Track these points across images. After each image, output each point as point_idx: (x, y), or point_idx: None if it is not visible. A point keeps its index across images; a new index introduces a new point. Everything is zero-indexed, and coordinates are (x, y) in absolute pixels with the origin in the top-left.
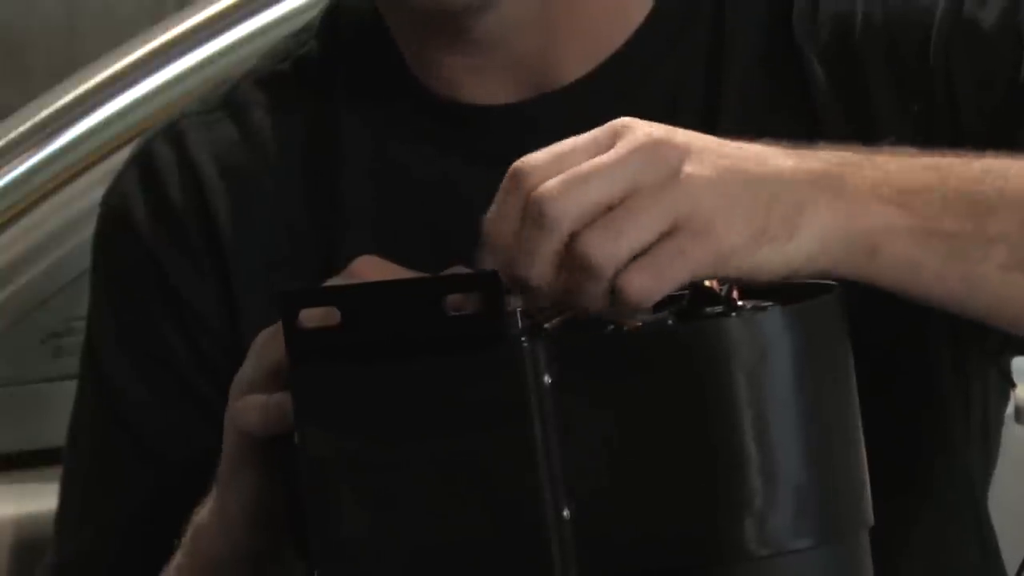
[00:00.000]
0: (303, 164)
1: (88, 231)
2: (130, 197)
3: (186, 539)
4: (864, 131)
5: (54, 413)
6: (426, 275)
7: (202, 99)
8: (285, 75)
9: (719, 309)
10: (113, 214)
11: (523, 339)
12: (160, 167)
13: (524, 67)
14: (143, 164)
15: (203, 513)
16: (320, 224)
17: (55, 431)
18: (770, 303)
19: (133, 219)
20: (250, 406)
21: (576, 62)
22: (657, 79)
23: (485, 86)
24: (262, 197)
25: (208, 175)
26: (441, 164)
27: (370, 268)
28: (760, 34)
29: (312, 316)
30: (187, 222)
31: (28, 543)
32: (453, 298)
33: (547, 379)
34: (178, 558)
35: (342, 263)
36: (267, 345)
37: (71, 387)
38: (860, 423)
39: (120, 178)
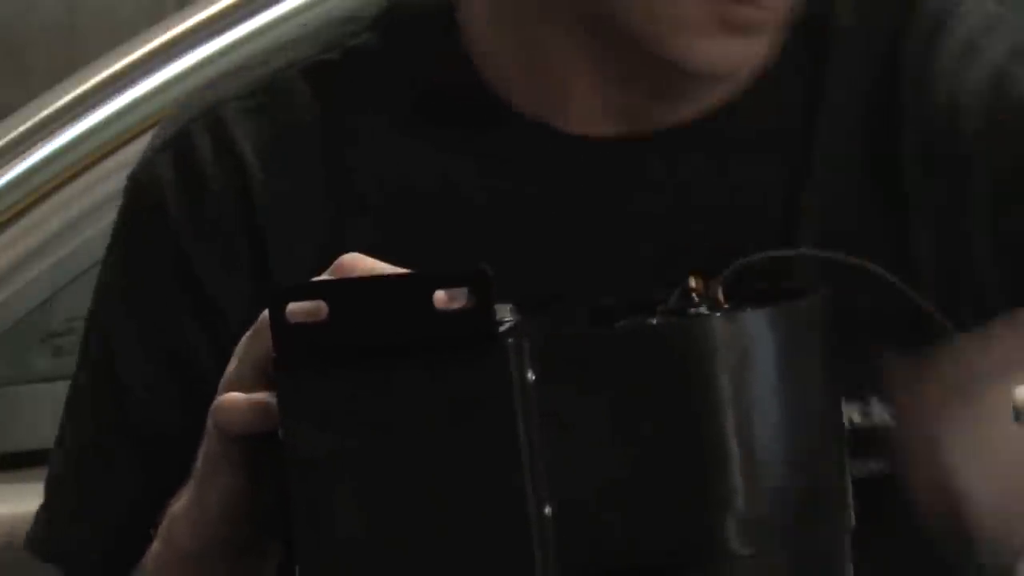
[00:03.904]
0: (361, 165)
1: (88, 231)
2: (164, 182)
3: (162, 528)
4: (953, 238)
5: (54, 413)
6: (416, 271)
7: (241, 85)
8: (333, 65)
9: (704, 309)
10: (142, 196)
11: (508, 336)
12: (199, 154)
13: (643, 107)
14: (180, 149)
15: (179, 504)
16: (378, 232)
17: (55, 431)
18: (756, 308)
19: (164, 205)
20: (232, 403)
21: (682, 108)
22: (746, 143)
23: (591, 118)
24: (308, 192)
25: (250, 165)
26: (508, 182)
27: (357, 264)
28: (860, 105)
29: (300, 311)
30: (224, 215)
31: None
32: (441, 294)
33: (531, 376)
34: (155, 546)
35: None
36: (251, 342)
37: None
38: (843, 426)
39: (153, 161)
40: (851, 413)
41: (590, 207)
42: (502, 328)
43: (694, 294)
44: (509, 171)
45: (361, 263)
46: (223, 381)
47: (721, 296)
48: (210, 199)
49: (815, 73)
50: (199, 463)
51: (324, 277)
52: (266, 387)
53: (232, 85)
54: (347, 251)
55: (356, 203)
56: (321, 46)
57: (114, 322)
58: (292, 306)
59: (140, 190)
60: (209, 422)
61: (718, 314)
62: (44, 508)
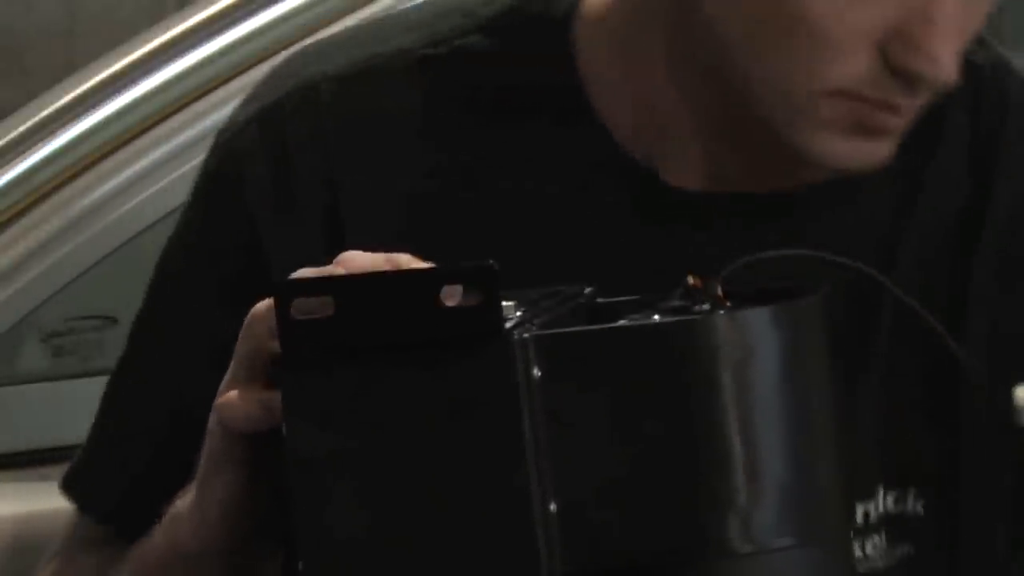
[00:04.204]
0: (447, 164)
1: (87, 231)
2: (246, 153)
3: (163, 526)
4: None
5: (54, 413)
6: (421, 267)
7: (341, 65)
8: (437, 60)
9: (707, 307)
10: (224, 162)
11: (514, 332)
12: (287, 133)
13: (740, 171)
14: (270, 124)
15: (181, 504)
16: (458, 232)
17: (55, 431)
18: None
19: (243, 178)
20: (236, 401)
21: (771, 181)
22: (841, 213)
23: (683, 166)
24: (397, 185)
25: (337, 151)
26: (606, 220)
27: (356, 261)
28: (954, 205)
29: (306, 307)
30: (304, 196)
31: (28, 542)
32: (449, 290)
33: (536, 372)
34: (156, 541)
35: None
36: (244, 339)
37: (71, 387)
38: (843, 425)
39: (242, 129)
40: (887, 500)
41: (662, 252)
42: (507, 325)
43: (696, 292)
44: (588, 195)
45: (360, 259)
46: (225, 379)
47: (721, 294)
48: (292, 178)
49: (917, 168)
50: (202, 462)
51: (329, 271)
52: (261, 384)
53: (332, 63)
54: (420, 247)
55: (434, 200)
56: (428, 39)
57: (177, 278)
58: (298, 303)
59: (223, 155)
60: (212, 419)
61: (721, 312)
62: (83, 448)
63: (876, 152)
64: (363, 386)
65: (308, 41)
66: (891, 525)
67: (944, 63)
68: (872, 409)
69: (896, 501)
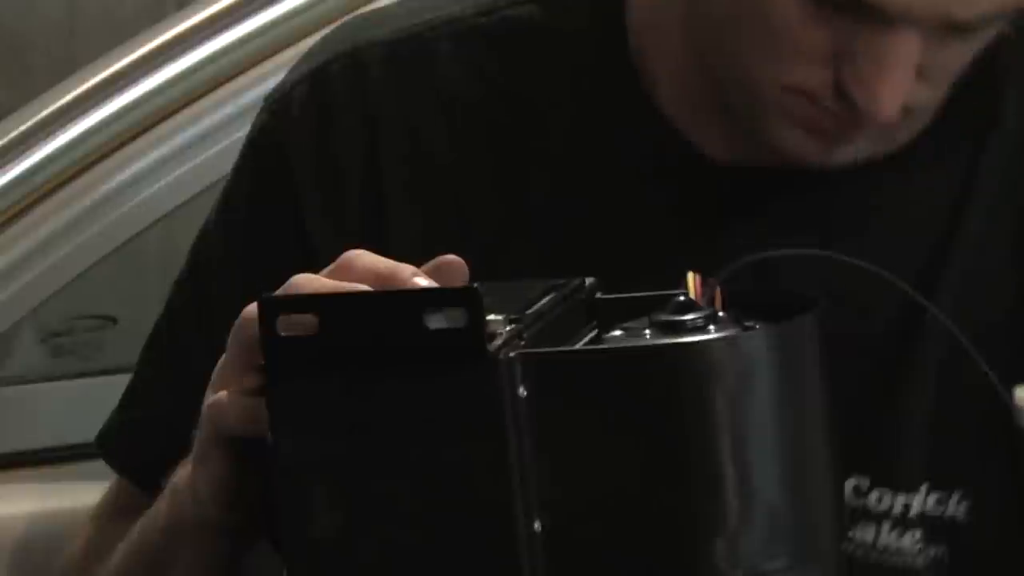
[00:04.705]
0: (492, 134)
1: (88, 231)
2: (292, 118)
3: (164, 495)
4: None
5: (53, 413)
6: (406, 288)
7: (388, 31)
8: (485, 29)
9: (699, 319)
10: (269, 125)
11: (500, 352)
12: (334, 97)
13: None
14: (317, 87)
15: (180, 476)
16: (501, 206)
17: (55, 431)
18: (752, 323)
19: (286, 143)
20: (226, 405)
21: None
22: (899, 193)
23: (727, 148)
24: (440, 157)
25: (382, 116)
26: (646, 196)
27: (356, 263)
28: (1011, 195)
29: (292, 324)
30: (346, 162)
31: (27, 542)
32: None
33: (523, 391)
34: (161, 508)
35: (517, 252)
36: (235, 336)
37: (71, 387)
38: (838, 439)
39: (289, 93)
40: (929, 499)
41: (704, 225)
42: (495, 343)
43: (691, 299)
44: (634, 173)
45: (361, 259)
46: (216, 371)
47: (719, 298)
48: (336, 143)
49: (970, 159)
50: (195, 445)
51: (326, 271)
52: (251, 383)
53: (379, 30)
54: (494, 227)
55: (475, 170)
56: (476, 7)
57: (221, 237)
58: (283, 320)
59: (270, 119)
60: (203, 412)
61: (714, 334)
62: (118, 410)
63: (837, 153)
64: (349, 403)
65: (309, 41)
66: (929, 524)
67: (884, 104)
68: (920, 405)
69: (938, 502)
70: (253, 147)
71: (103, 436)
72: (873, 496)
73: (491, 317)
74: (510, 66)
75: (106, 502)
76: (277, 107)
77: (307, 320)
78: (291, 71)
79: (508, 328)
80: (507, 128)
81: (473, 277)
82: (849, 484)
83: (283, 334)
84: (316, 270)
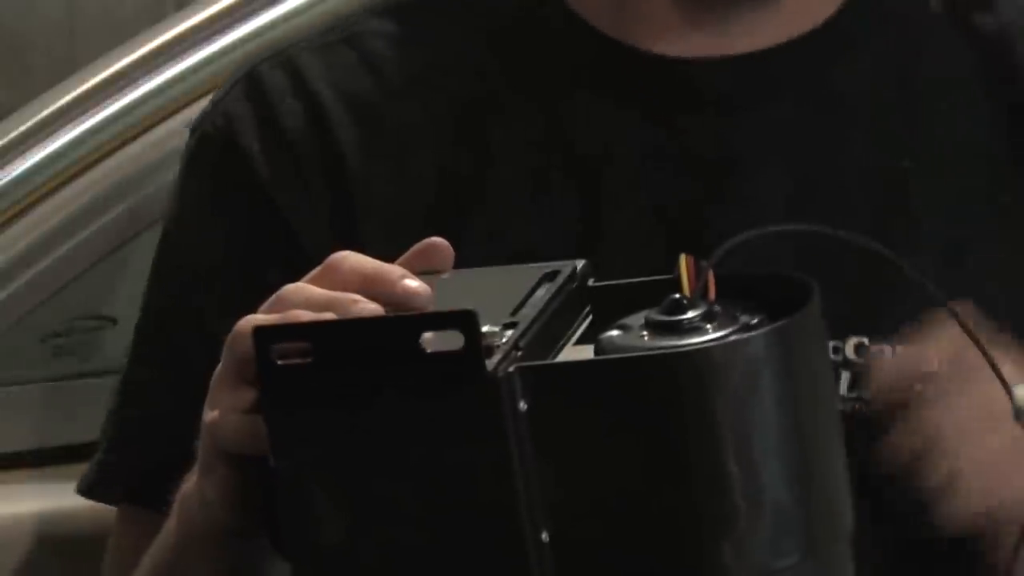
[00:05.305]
0: (447, 103)
1: (88, 231)
2: (237, 121)
3: (174, 508)
4: None
5: (53, 413)
6: (402, 313)
7: (311, 36)
8: (412, 4)
9: (696, 318)
10: (216, 137)
11: (498, 368)
12: (271, 94)
13: (735, 26)
14: (251, 87)
15: (188, 485)
16: (467, 169)
17: (55, 431)
18: (748, 315)
19: (240, 144)
20: (225, 423)
21: (773, 29)
22: (840, 68)
23: (685, 40)
24: (392, 132)
25: (329, 104)
26: (618, 116)
27: (343, 263)
28: (971, 57)
29: (287, 349)
30: (304, 153)
31: (27, 542)
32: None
33: (523, 406)
34: (170, 524)
35: (489, 213)
36: (229, 349)
37: (71, 387)
38: (841, 429)
39: (221, 102)
40: (849, 348)
41: (657, 125)
42: (493, 358)
43: (685, 296)
44: (584, 89)
45: (347, 262)
46: (212, 384)
47: (712, 284)
48: (288, 138)
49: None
50: (199, 455)
51: (312, 274)
52: (248, 397)
53: (301, 37)
54: (463, 194)
55: (430, 134)
56: None
57: (191, 248)
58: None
59: (208, 133)
60: (203, 424)
61: (714, 337)
62: (104, 445)
63: None
64: (349, 427)
65: None
66: None
67: None
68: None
69: None
70: (198, 159)
71: (90, 480)
72: (872, 352)
73: (486, 329)
74: (439, 26)
75: (112, 546)
76: (211, 123)
77: (303, 345)
78: (215, 94)
79: (504, 340)
80: (452, 78)
81: (458, 261)
82: (850, 343)
83: (279, 362)
84: (297, 252)
